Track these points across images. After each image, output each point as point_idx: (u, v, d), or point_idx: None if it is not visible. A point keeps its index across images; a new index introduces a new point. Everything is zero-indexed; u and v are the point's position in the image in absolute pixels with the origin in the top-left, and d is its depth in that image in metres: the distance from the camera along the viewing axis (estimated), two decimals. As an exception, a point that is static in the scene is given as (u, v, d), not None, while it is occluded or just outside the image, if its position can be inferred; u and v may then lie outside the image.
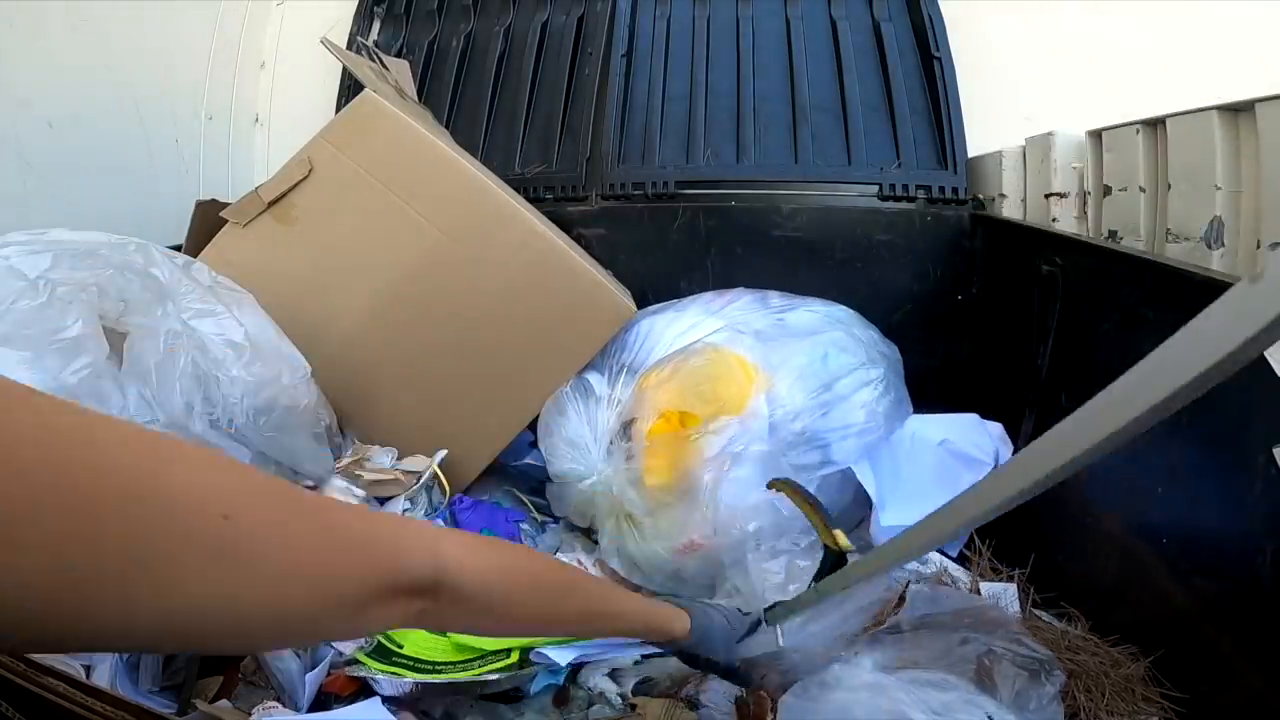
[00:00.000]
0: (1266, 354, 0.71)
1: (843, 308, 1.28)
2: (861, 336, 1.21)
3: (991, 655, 0.82)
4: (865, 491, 1.12)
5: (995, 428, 1.22)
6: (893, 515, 1.11)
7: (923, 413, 1.24)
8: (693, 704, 0.86)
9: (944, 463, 1.16)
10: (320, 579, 0.38)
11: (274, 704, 0.72)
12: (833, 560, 0.82)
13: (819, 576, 0.81)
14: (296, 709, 0.75)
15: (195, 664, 0.82)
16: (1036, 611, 1.02)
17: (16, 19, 1.24)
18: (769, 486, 0.94)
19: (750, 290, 1.32)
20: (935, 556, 1.12)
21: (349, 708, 0.77)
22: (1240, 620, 0.73)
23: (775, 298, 1.29)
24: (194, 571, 0.32)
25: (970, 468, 1.14)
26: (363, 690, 0.84)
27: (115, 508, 0.29)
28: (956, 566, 1.12)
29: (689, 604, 0.78)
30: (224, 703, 0.77)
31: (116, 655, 0.56)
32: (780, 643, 0.81)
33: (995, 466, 1.11)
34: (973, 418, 1.23)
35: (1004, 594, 1.04)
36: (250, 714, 0.72)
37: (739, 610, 0.84)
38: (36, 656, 0.39)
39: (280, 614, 0.37)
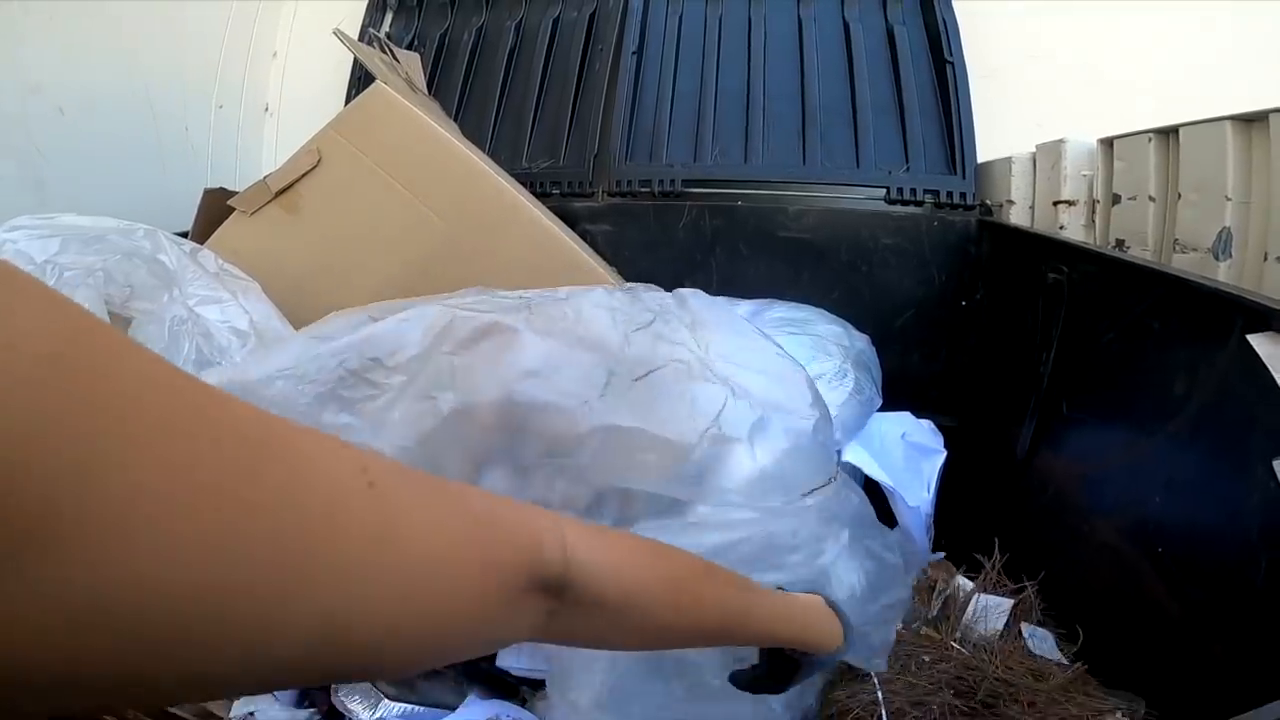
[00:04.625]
0: (1268, 364, 0.71)
1: (810, 307, 1.29)
2: (822, 331, 1.21)
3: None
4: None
5: (927, 423, 1.27)
6: (913, 498, 1.14)
7: (922, 418, 1.25)
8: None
9: (909, 454, 1.21)
10: (471, 567, 0.32)
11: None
12: None
13: None
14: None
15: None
16: (1027, 625, 1.01)
17: (30, 4, 1.24)
18: None
19: (724, 298, 1.32)
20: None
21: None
22: (1233, 630, 0.73)
23: (746, 303, 1.29)
24: (343, 553, 0.25)
25: (928, 456, 1.21)
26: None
27: (247, 474, 0.22)
28: (964, 579, 1.12)
29: (831, 600, 0.60)
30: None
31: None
32: None
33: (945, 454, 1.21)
34: (909, 415, 1.26)
35: (998, 608, 1.03)
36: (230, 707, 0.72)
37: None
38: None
39: (429, 612, 0.30)
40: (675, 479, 0.71)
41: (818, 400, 0.83)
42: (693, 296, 0.90)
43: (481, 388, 0.71)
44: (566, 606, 0.37)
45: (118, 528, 0.19)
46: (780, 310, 1.28)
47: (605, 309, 0.80)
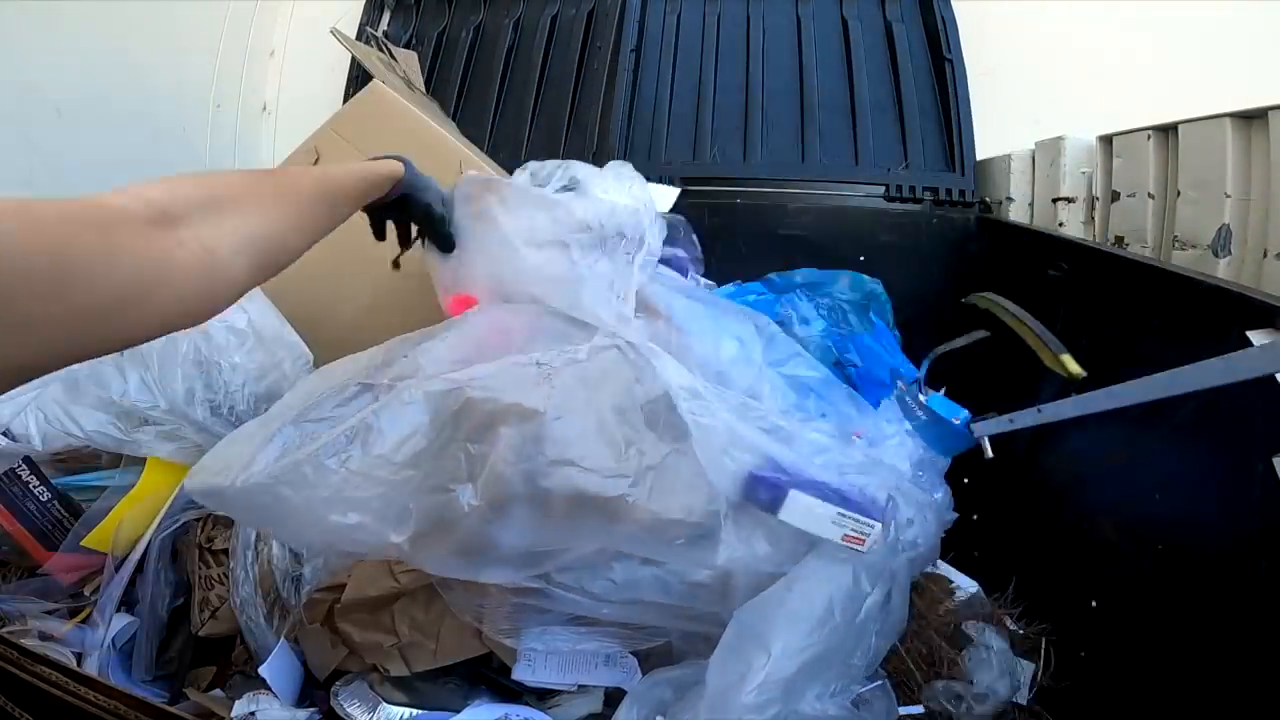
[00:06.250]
0: (1270, 365, 0.71)
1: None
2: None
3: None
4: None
5: None
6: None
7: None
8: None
9: None
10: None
11: (264, 693, 0.73)
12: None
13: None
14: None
15: (189, 653, 0.83)
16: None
17: (28, 4, 1.24)
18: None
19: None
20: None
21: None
22: (1233, 628, 0.73)
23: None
24: None
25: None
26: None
27: None
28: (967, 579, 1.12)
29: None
30: (217, 692, 0.78)
31: (111, 643, 0.56)
32: None
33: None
34: None
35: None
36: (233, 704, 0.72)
37: None
38: (30, 644, 0.39)
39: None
40: (697, 552, 0.73)
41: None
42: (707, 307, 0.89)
43: (505, 481, 0.67)
44: (194, 224, 0.43)
45: None
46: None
47: (628, 365, 0.78)
